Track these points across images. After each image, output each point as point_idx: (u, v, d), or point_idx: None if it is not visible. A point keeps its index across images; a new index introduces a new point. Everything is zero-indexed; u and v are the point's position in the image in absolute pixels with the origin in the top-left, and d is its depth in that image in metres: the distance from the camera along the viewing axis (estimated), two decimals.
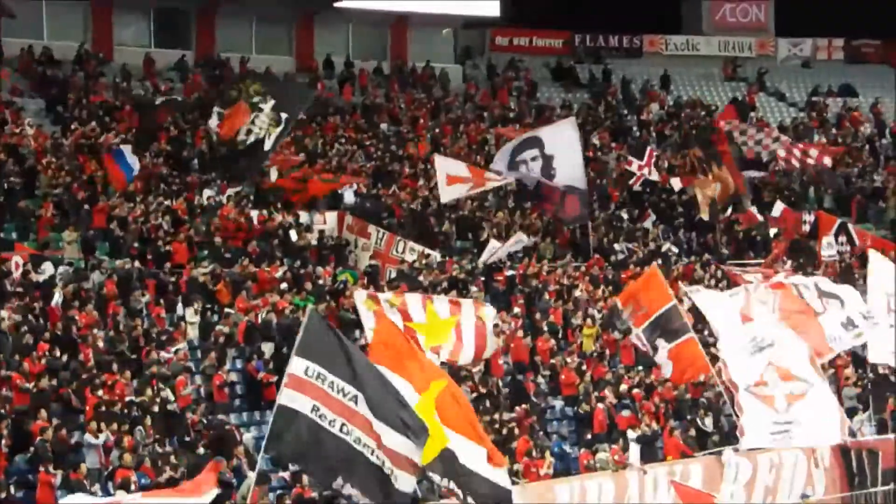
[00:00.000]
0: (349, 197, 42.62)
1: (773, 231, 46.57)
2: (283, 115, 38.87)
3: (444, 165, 42.20)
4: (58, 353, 29.09)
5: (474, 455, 20.70)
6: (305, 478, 26.98)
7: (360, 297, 30.24)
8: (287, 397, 19.55)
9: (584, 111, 55.17)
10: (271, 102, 38.95)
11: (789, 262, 43.25)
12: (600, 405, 33.01)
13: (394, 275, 38.19)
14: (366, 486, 19.61)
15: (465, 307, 29.73)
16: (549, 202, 42.92)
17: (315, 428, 19.45)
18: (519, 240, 40.63)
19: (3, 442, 25.41)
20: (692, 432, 32.82)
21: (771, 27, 64.76)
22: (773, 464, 31.88)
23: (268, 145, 38.94)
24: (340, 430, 19.48)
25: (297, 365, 19.67)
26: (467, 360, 30.14)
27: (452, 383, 21.90)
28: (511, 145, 43.14)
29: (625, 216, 46.03)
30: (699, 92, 60.50)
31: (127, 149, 38.66)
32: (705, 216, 45.66)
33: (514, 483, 28.64)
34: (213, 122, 39.90)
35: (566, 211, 42.72)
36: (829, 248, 44.76)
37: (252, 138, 38.75)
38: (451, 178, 41.56)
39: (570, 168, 42.03)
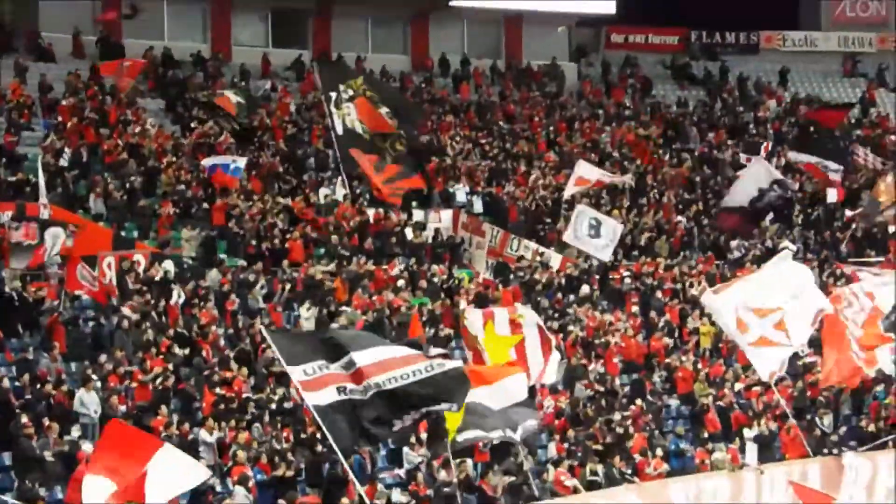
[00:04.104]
0: (461, 195, 42.73)
1: (892, 228, 45.73)
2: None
3: (582, 169, 42.08)
4: (177, 351, 29.47)
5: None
6: (420, 475, 27.12)
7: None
8: (313, 399, 20.43)
9: (699, 109, 54.78)
10: (384, 109, 39.20)
11: None
12: (715, 404, 32.74)
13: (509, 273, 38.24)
14: (422, 401, 20.65)
15: (527, 325, 28.25)
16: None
17: (349, 404, 20.48)
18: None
19: None
20: (811, 432, 32.39)
21: (892, 21, 63.42)
22: (894, 465, 31.33)
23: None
24: (365, 391, 20.44)
25: (296, 373, 20.74)
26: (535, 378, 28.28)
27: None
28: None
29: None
30: (817, 89, 59.65)
31: (220, 158, 38.99)
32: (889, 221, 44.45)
33: (629, 482, 28.68)
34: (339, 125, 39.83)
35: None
36: None
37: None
38: (580, 181, 41.53)
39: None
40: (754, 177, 42.06)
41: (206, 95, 43.77)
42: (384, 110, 38.91)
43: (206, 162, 38.46)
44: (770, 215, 43.41)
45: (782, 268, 31.01)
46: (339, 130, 38.28)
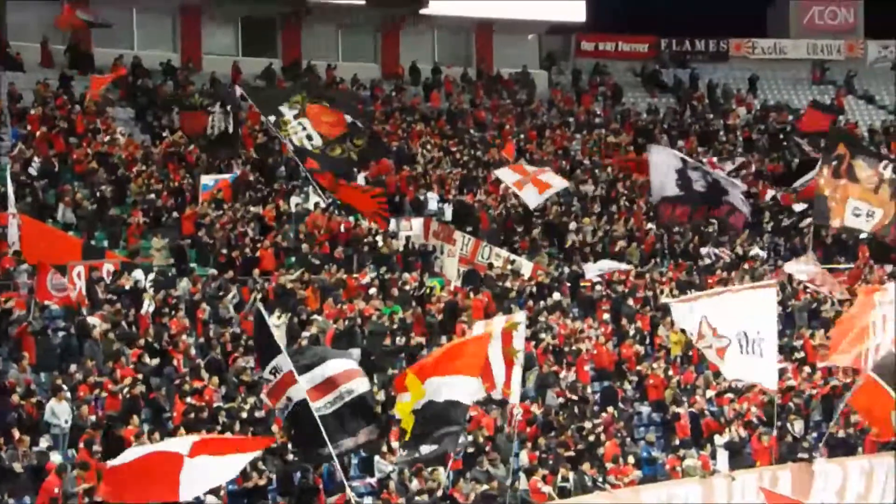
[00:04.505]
0: (433, 203, 42.73)
1: (862, 235, 45.82)
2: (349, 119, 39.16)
3: (504, 175, 42.43)
4: (147, 360, 29.36)
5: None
6: (392, 484, 27.09)
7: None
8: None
9: (669, 116, 54.94)
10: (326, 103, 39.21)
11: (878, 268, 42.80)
12: (686, 411, 32.84)
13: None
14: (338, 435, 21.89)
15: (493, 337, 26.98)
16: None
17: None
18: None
19: (97, 447, 25.67)
20: (782, 438, 32.50)
21: (860, 29, 63.91)
22: (863, 470, 31.50)
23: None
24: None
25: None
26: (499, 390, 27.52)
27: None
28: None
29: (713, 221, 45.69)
30: (787, 96, 59.92)
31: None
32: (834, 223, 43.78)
33: (601, 489, 28.72)
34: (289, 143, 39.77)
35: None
36: None
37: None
38: (517, 184, 41.68)
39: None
40: (662, 166, 41.73)
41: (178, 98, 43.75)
42: (326, 104, 38.90)
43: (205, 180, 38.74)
44: (726, 206, 42.81)
45: (749, 298, 30.94)
46: (290, 147, 38.39)
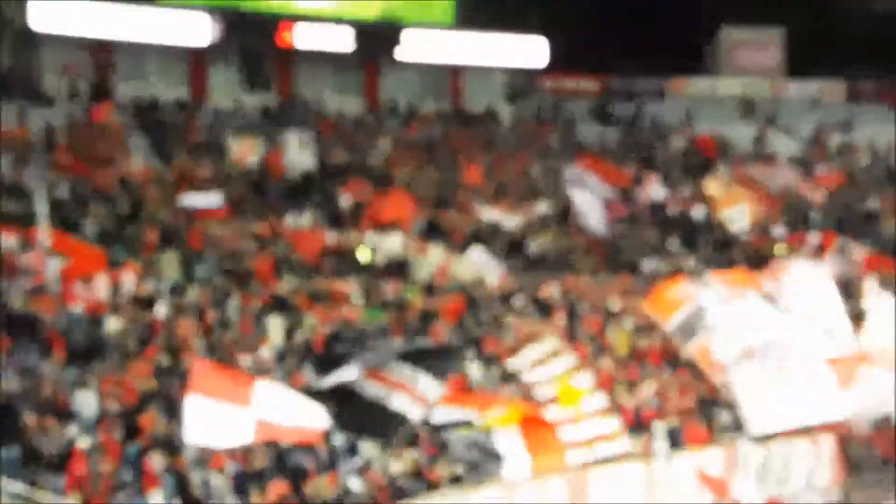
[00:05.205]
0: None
1: (783, 250, 46.37)
2: None
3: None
4: (161, 359, 29.70)
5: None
6: (375, 465, 27.42)
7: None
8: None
9: (617, 145, 55.74)
10: None
11: None
12: (630, 402, 33.36)
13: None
14: None
15: None
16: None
17: None
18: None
19: (117, 434, 26.05)
20: (713, 426, 33.09)
21: (782, 70, 64.99)
22: (782, 453, 32.06)
23: None
24: None
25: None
26: None
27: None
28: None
29: (652, 235, 46.34)
30: (718, 129, 60.52)
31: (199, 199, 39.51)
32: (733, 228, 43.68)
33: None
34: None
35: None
36: (833, 260, 43.91)
37: None
38: None
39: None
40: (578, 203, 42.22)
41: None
42: None
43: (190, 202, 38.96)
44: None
45: None
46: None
